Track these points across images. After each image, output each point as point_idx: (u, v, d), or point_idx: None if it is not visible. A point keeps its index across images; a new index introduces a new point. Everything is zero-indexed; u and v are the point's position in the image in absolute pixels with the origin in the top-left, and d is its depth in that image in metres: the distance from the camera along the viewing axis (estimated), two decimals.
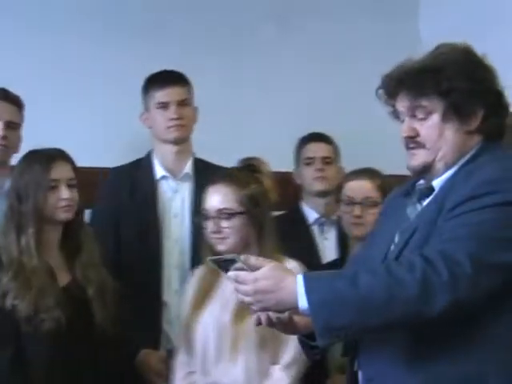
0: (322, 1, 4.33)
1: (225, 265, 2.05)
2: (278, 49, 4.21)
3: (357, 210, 3.31)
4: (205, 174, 3.28)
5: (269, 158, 3.73)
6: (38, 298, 2.80)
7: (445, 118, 2.09)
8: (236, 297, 2.57)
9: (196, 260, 3.18)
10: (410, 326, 1.97)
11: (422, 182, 2.20)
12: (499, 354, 1.98)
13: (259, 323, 2.10)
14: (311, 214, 3.79)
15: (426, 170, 2.14)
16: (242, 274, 1.99)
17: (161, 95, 3.48)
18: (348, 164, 3.73)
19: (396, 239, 2.13)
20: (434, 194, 2.12)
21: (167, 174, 3.53)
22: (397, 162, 3.89)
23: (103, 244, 3.08)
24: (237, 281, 2.00)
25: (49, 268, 2.89)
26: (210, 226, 2.94)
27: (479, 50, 2.17)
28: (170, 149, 3.52)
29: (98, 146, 3.82)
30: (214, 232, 2.93)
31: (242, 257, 2.02)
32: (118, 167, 3.58)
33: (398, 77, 2.14)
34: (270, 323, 2.10)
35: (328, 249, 3.69)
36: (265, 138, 4.01)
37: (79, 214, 2.99)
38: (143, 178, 3.51)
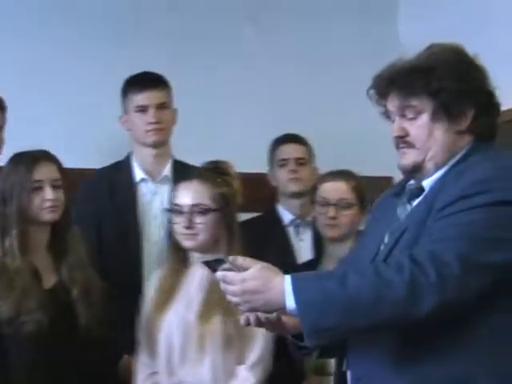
0: (300, 2, 4.34)
1: (213, 265, 2.04)
2: (254, 51, 4.22)
3: (331, 212, 3.31)
4: (183, 176, 3.25)
5: (244, 160, 3.77)
6: (20, 299, 2.80)
7: (434, 117, 2.08)
8: (201, 297, 2.60)
9: None
10: (397, 327, 1.97)
11: (412, 182, 2.19)
12: (487, 354, 1.96)
13: (248, 323, 2.08)
14: (286, 215, 3.79)
15: (416, 170, 2.13)
16: (229, 274, 1.98)
17: (140, 99, 3.48)
18: (322, 165, 3.73)
19: (386, 239, 2.12)
20: (424, 194, 2.11)
21: (146, 177, 3.54)
22: (373, 164, 4.00)
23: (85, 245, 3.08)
24: (225, 281, 1.98)
25: (33, 269, 2.89)
26: (182, 221, 2.95)
27: None
28: (149, 152, 3.54)
29: (80, 147, 3.82)
30: (187, 227, 2.94)
31: (231, 257, 2.01)
32: (99, 169, 3.59)
33: (388, 77, 2.12)
34: (259, 323, 2.09)
35: (304, 250, 3.69)
36: (241, 139, 4.04)
37: (66, 214, 2.99)
38: (123, 180, 3.53)
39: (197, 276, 2.97)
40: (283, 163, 3.79)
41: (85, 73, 3.92)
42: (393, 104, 2.13)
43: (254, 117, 4.14)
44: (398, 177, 4.01)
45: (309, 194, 3.54)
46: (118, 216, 3.45)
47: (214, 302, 2.88)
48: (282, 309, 1.98)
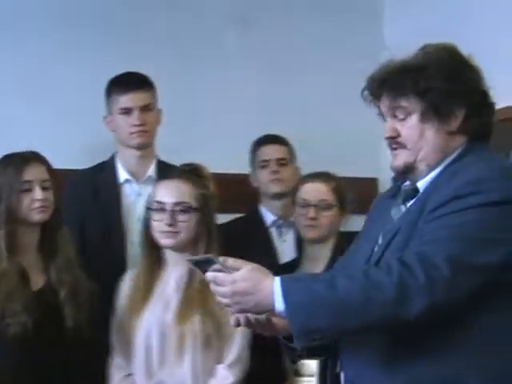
0: (284, 4, 4.33)
1: (202, 265, 2.04)
2: (236, 52, 4.22)
3: (311, 213, 3.33)
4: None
5: (227, 160, 3.79)
6: (5, 302, 2.81)
7: (423, 118, 2.08)
8: (179, 297, 2.60)
9: None
10: (387, 329, 1.97)
11: (408, 183, 2.18)
12: (479, 355, 1.96)
13: (238, 324, 2.09)
14: (269, 216, 3.78)
15: (408, 171, 2.13)
16: (220, 275, 1.98)
17: (124, 100, 3.46)
18: (305, 167, 3.73)
19: (380, 241, 2.12)
20: (418, 195, 2.10)
21: (130, 178, 3.53)
22: (358, 165, 4.02)
23: None
24: (215, 282, 1.99)
25: (21, 270, 2.89)
26: (164, 218, 2.95)
27: None
28: (133, 153, 3.53)
29: (66, 148, 3.80)
30: (169, 225, 2.94)
31: (221, 258, 2.01)
32: (83, 170, 3.58)
33: (380, 77, 2.11)
34: (249, 324, 2.09)
35: (287, 250, 3.69)
36: (223, 140, 4.04)
37: (56, 215, 2.99)
38: (107, 181, 3.52)
39: (173, 276, 2.98)
40: (264, 164, 3.78)
41: (71, 74, 3.90)
42: (384, 105, 2.13)
43: (236, 118, 4.12)
44: (383, 178, 4.05)
45: (290, 194, 3.55)
46: (102, 217, 3.45)
47: (193, 301, 2.90)
48: (271, 310, 1.98)
